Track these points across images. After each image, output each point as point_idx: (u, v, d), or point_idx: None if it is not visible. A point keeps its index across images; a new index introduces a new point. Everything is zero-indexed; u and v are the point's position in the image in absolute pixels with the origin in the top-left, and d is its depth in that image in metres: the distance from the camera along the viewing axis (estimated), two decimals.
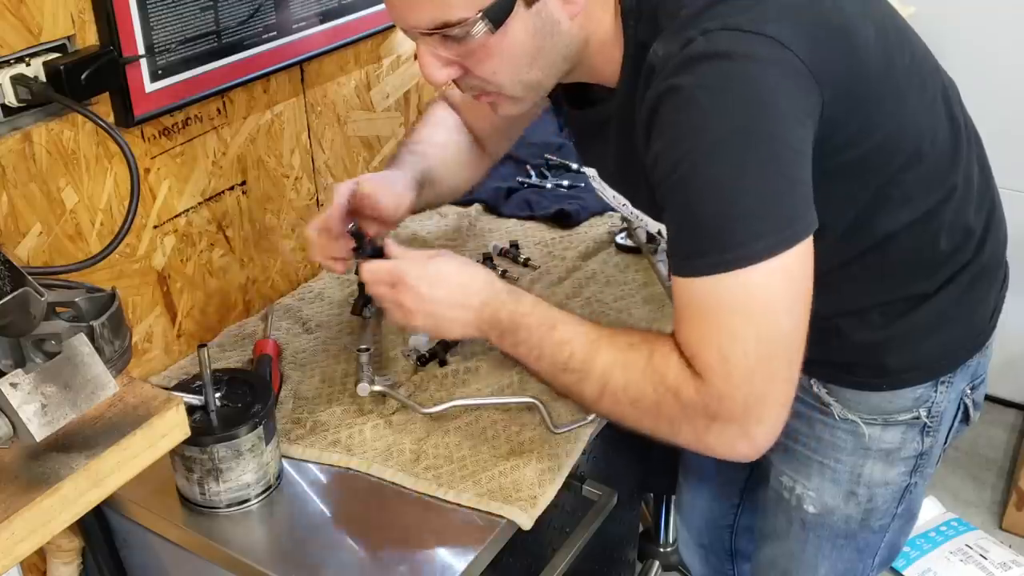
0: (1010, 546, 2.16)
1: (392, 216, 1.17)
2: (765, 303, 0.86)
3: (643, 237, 1.49)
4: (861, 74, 0.91)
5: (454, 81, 0.96)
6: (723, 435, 0.90)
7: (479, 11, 0.86)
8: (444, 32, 0.89)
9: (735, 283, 0.85)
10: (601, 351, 0.95)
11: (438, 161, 1.27)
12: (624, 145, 0.98)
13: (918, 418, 1.12)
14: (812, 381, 1.14)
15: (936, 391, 1.11)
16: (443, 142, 1.30)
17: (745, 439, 0.90)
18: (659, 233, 1.09)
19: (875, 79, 0.92)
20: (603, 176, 1.12)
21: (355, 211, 1.14)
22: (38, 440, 0.68)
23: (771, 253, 0.84)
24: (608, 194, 1.13)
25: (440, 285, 1.03)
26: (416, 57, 0.96)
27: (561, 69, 0.97)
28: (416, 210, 1.23)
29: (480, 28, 0.87)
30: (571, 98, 1.07)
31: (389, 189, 1.17)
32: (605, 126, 1.02)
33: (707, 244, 0.85)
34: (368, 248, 1.10)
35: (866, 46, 0.92)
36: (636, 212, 1.10)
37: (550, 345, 0.98)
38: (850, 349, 1.09)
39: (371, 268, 1.05)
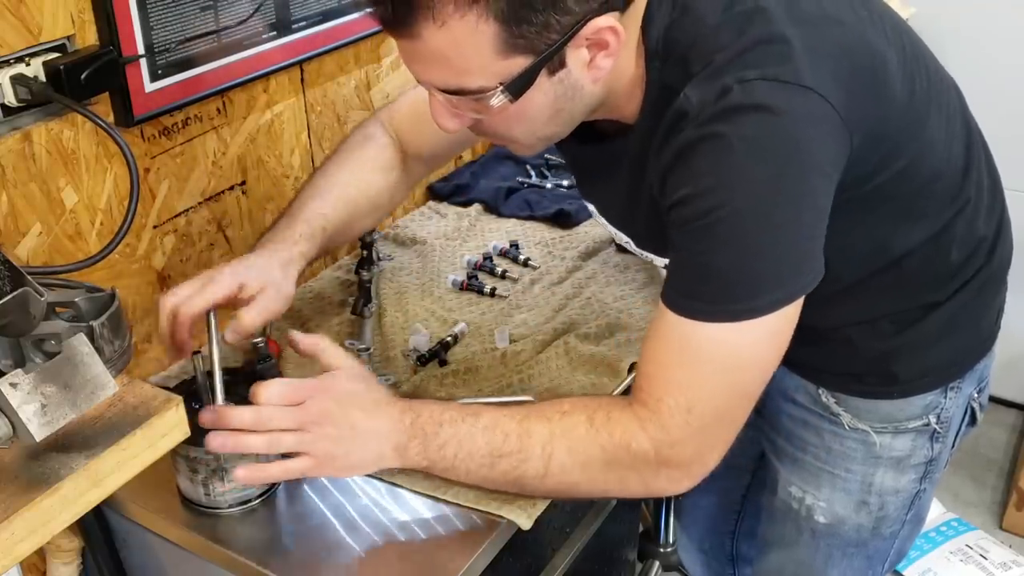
0: (1010, 546, 2.16)
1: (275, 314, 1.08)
2: (747, 359, 0.88)
3: None
4: (887, 114, 0.91)
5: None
6: (670, 478, 0.92)
7: (500, 83, 0.83)
8: (460, 96, 0.86)
9: (729, 335, 0.86)
10: (534, 426, 0.94)
11: (342, 217, 1.18)
12: (635, 183, 0.95)
13: (928, 425, 1.12)
14: (821, 391, 1.14)
15: (945, 397, 1.11)
16: (353, 196, 1.19)
17: (688, 479, 0.93)
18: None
19: (899, 112, 0.92)
20: (604, 213, 1.09)
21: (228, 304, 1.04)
22: (38, 440, 0.68)
23: (772, 308, 0.85)
24: (611, 230, 1.11)
25: (352, 407, 0.96)
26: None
27: (579, 121, 0.94)
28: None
29: (500, 99, 0.84)
30: (577, 132, 0.99)
31: (275, 291, 1.07)
32: (617, 163, 0.99)
33: (718, 293, 0.85)
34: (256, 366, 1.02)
35: (891, 80, 0.91)
36: (641, 251, 1.09)
37: (480, 432, 0.94)
38: (860, 358, 1.09)
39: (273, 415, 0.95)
